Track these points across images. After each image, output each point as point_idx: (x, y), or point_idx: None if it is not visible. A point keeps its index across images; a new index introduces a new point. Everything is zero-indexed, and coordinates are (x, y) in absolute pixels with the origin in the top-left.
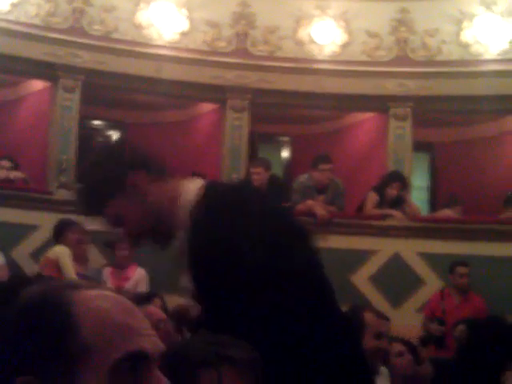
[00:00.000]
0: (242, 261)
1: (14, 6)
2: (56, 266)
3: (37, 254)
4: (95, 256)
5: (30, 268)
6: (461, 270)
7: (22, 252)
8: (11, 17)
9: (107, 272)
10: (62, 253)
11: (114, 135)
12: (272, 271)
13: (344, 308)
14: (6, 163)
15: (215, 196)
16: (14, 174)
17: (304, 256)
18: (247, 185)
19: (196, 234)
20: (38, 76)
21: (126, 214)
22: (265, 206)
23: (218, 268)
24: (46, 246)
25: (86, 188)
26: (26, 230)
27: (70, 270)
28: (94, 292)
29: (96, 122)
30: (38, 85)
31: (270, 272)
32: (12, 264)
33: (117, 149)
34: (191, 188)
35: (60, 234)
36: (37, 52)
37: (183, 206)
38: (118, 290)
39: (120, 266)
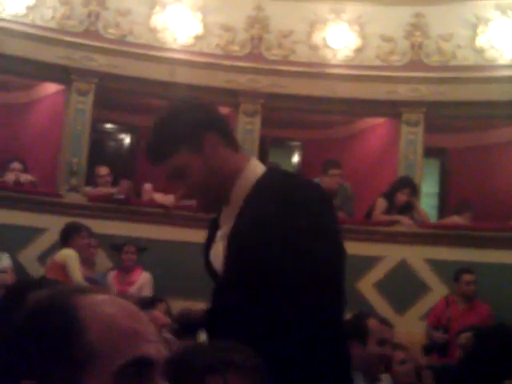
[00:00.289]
0: (268, 258)
1: (29, 9)
2: (63, 269)
3: (44, 258)
4: (102, 259)
5: (37, 271)
6: (466, 277)
7: (30, 255)
8: (27, 20)
9: (112, 276)
10: (69, 256)
11: (126, 139)
12: (295, 273)
13: (348, 314)
14: (16, 165)
15: (268, 185)
16: (25, 177)
17: (327, 258)
18: (303, 180)
19: (242, 217)
20: (52, 79)
21: (189, 168)
22: (310, 203)
23: (247, 258)
24: (54, 249)
25: (159, 131)
26: (34, 233)
27: (78, 273)
28: (100, 297)
29: (108, 126)
30: (51, 88)
31: (292, 274)
32: (19, 267)
33: (200, 104)
34: (255, 169)
35: (68, 237)
36: (51, 55)
37: (242, 183)
38: (123, 294)
39: (125, 270)
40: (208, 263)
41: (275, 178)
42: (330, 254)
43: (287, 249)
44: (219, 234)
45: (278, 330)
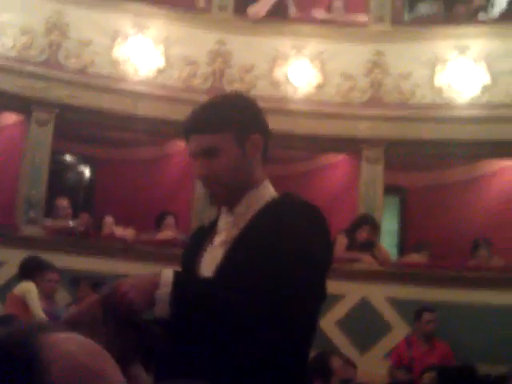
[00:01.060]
0: (258, 278)
1: None
2: (21, 303)
3: (1, 291)
4: (61, 293)
5: None
6: (427, 316)
7: None
8: None
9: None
10: (28, 290)
11: (86, 171)
12: (277, 296)
13: (311, 353)
14: None
15: (282, 209)
16: None
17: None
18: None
19: (250, 232)
20: (12, 109)
21: (223, 154)
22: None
23: (243, 274)
24: (12, 283)
25: (219, 105)
26: None
27: (37, 307)
28: (63, 335)
29: (68, 157)
30: (10, 118)
31: (274, 297)
32: None
33: (262, 108)
34: (269, 189)
35: (27, 270)
36: (11, 85)
37: (253, 197)
38: None
39: None
40: (188, 267)
41: (288, 203)
42: (314, 285)
43: (278, 274)
44: (217, 239)
45: (245, 345)
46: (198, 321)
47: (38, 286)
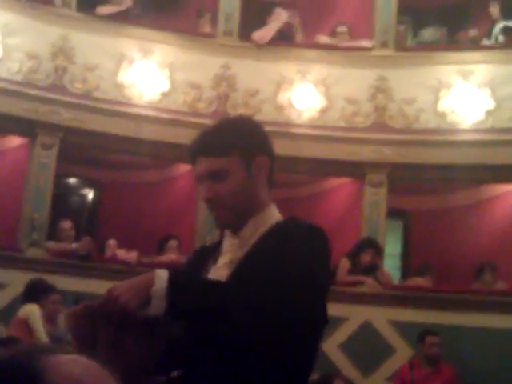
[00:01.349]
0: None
1: None
2: (26, 325)
3: (4, 313)
4: (63, 316)
5: None
6: (430, 339)
7: None
8: None
9: None
10: (32, 312)
11: (90, 194)
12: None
13: (314, 376)
14: None
15: (287, 232)
16: None
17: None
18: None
19: (254, 255)
20: (17, 132)
21: (229, 177)
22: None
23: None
24: (14, 305)
25: (226, 129)
26: None
27: (41, 329)
28: (66, 357)
29: (72, 180)
30: (15, 141)
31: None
32: None
33: (260, 129)
34: (275, 212)
35: (33, 293)
36: (17, 108)
37: (259, 220)
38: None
39: None
40: None
41: (292, 227)
42: (316, 309)
43: (282, 297)
44: (222, 260)
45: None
46: (193, 319)
47: (42, 308)
